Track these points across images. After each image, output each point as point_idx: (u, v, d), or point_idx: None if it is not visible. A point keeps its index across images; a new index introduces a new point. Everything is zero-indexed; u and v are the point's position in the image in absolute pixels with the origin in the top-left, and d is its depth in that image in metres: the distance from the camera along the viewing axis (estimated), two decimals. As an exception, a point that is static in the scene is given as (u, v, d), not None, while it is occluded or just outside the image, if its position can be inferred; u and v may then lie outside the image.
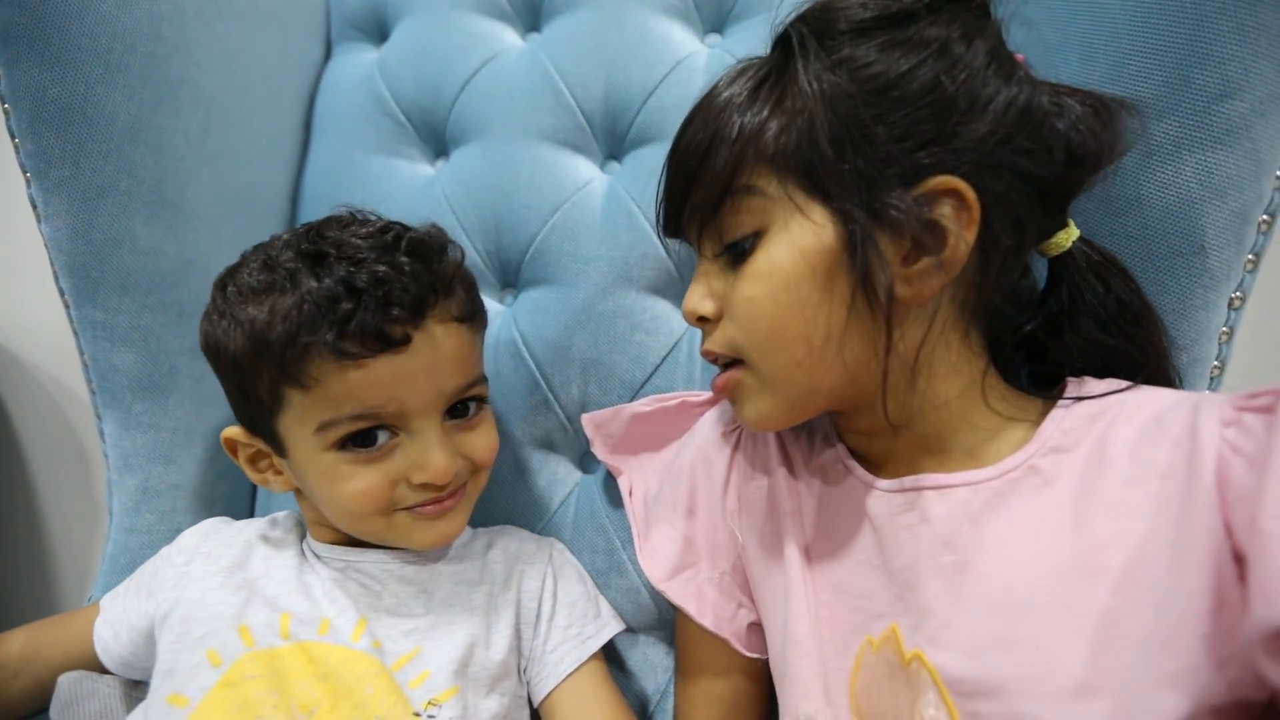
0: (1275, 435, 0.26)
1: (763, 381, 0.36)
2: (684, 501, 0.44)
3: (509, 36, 0.62)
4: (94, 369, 0.51)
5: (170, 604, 0.41)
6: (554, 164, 0.57)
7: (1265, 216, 0.38)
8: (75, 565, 0.91)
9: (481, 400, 0.43)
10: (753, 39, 0.56)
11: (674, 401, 0.48)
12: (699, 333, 0.56)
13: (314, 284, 0.36)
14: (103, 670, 0.43)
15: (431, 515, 0.40)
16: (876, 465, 0.38)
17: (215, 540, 0.44)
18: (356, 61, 0.65)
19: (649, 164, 0.55)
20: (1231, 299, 0.39)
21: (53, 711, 0.41)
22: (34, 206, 0.48)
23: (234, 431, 0.42)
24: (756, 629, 0.43)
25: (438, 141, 0.61)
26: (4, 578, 0.91)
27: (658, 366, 0.52)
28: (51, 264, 0.49)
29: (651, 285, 0.53)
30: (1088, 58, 0.40)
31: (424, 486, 0.39)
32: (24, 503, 0.91)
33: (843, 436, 0.41)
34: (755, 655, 0.43)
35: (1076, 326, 0.36)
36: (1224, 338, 0.40)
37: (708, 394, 0.48)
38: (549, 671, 0.43)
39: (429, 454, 0.38)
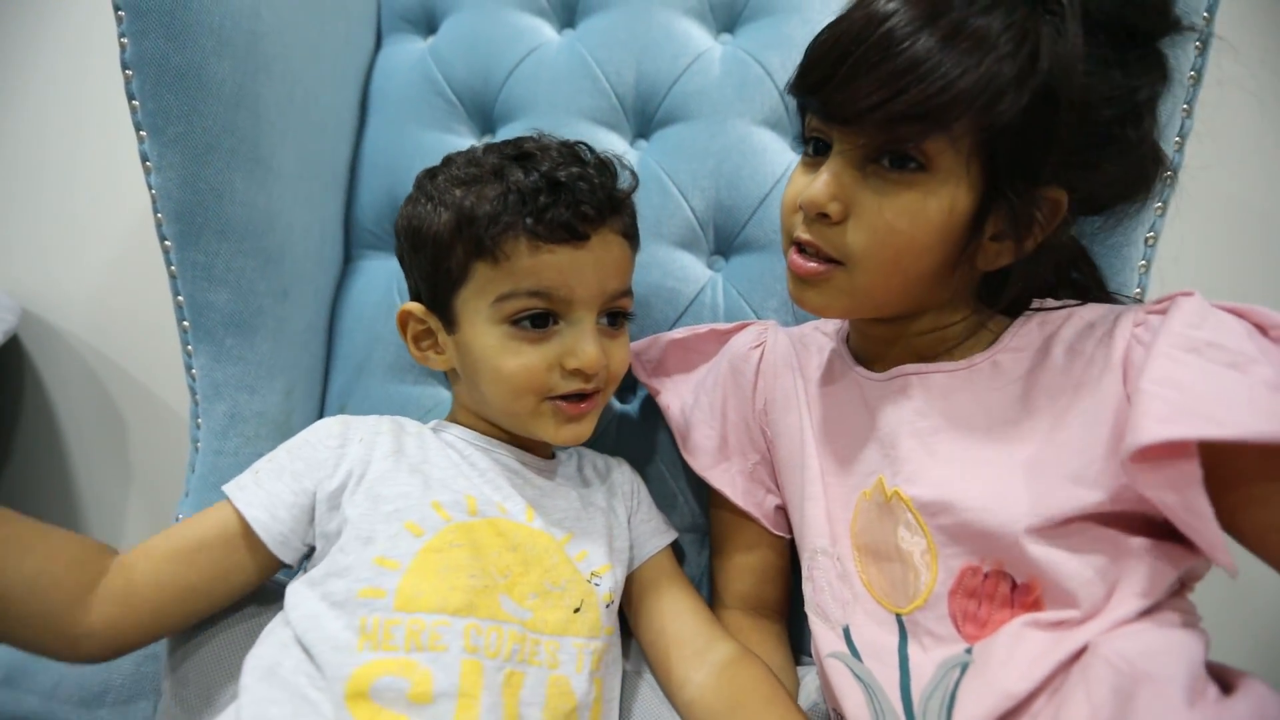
0: (1163, 325, 0.35)
1: (852, 285, 0.40)
2: (718, 407, 0.53)
3: (548, 31, 0.71)
4: (189, 307, 0.57)
5: (341, 479, 0.43)
6: (592, 139, 0.65)
7: (1168, 172, 0.49)
8: (107, 524, 0.94)
9: (626, 315, 0.48)
10: (760, 38, 0.66)
11: (705, 329, 0.57)
12: (720, 279, 0.65)
13: (520, 176, 0.42)
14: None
15: (571, 414, 0.44)
16: (868, 363, 0.47)
17: (358, 429, 0.46)
18: (407, 50, 0.73)
19: (672, 141, 0.65)
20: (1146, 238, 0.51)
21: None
22: (144, 161, 0.54)
23: (412, 306, 0.47)
24: (780, 512, 0.52)
25: (485, 120, 0.70)
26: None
27: (687, 307, 0.61)
28: (156, 212, 0.55)
29: (679, 241, 0.63)
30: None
31: (575, 374, 0.43)
32: (58, 467, 0.94)
33: (848, 342, 0.49)
34: (779, 533, 0.51)
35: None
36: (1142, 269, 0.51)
37: (732, 324, 0.57)
38: (640, 551, 0.50)
39: (583, 342, 0.43)
